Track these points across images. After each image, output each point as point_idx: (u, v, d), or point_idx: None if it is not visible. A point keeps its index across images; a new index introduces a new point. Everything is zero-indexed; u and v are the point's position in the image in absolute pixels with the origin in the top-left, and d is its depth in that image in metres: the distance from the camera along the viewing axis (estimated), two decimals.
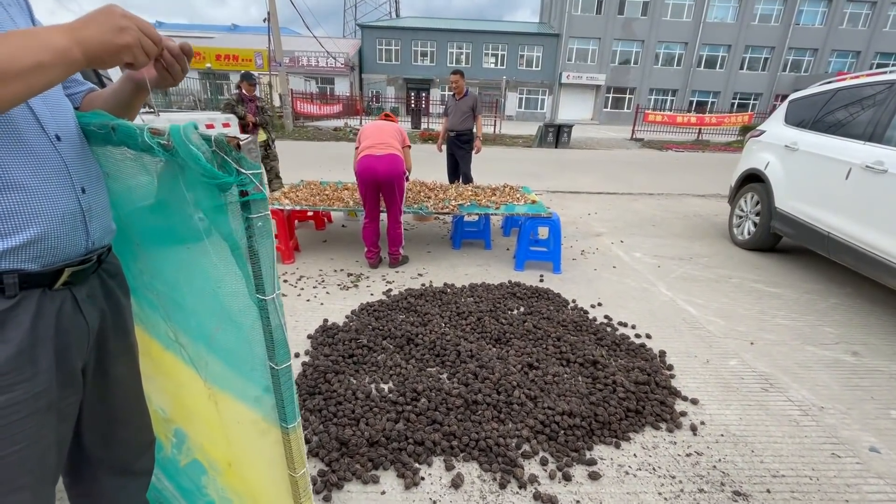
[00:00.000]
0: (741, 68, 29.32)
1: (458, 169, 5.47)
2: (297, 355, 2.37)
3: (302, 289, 3.22)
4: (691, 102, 29.91)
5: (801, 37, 28.22)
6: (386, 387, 2.10)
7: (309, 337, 2.55)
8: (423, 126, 17.81)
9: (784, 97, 30.10)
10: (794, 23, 27.84)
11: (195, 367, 0.86)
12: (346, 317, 2.79)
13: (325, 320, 2.72)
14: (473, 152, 5.35)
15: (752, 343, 2.64)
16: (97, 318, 0.86)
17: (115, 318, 0.92)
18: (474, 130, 5.29)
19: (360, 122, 18.48)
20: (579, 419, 1.84)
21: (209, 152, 0.52)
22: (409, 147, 3.63)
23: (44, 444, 0.78)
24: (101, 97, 0.92)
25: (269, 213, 0.57)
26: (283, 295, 3.14)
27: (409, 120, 19.12)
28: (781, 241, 4.23)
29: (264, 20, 16.24)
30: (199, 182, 0.58)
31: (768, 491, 1.59)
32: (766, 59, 29.11)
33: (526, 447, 1.75)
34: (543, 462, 1.68)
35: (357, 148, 3.50)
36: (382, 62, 30.38)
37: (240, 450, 0.86)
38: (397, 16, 41.60)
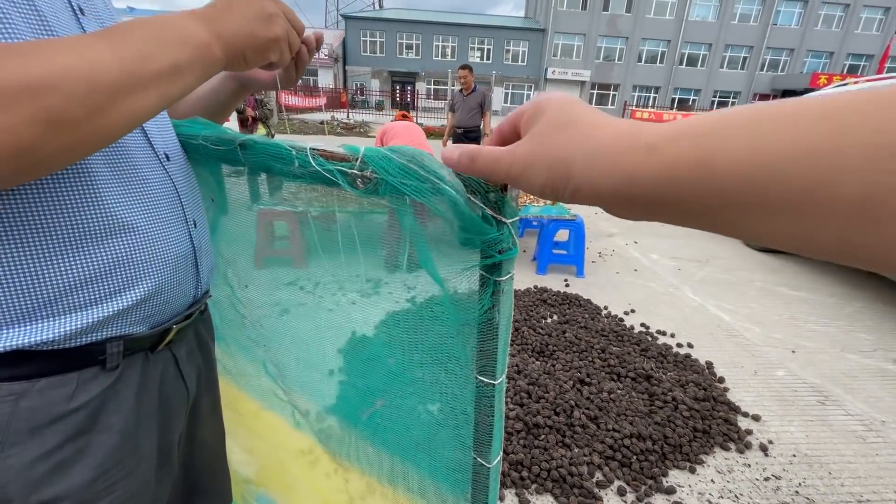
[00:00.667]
0: (721, 67, 29.89)
1: None
2: (331, 372, 2.20)
3: (321, 296, 3.03)
4: (673, 100, 30.40)
5: (779, 37, 28.92)
6: None
7: (340, 351, 2.37)
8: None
9: (763, 96, 30.69)
10: (772, 23, 28.50)
11: (316, 438, 0.70)
12: (375, 327, 2.62)
13: (353, 332, 2.55)
14: None
15: (793, 351, 2.59)
16: (195, 377, 0.69)
17: (207, 373, 0.76)
18: (482, 127, 5.15)
19: (347, 116, 18.07)
20: (650, 442, 1.74)
21: (465, 194, 0.35)
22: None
23: None
24: (193, 99, 0.73)
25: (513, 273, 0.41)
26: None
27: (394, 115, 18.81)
28: None
29: None
30: (426, 233, 0.43)
31: None
32: (745, 58, 29.74)
33: (599, 475, 1.63)
34: (621, 492, 1.57)
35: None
36: (367, 54, 29.83)
37: None
38: (381, 7, 40.83)
